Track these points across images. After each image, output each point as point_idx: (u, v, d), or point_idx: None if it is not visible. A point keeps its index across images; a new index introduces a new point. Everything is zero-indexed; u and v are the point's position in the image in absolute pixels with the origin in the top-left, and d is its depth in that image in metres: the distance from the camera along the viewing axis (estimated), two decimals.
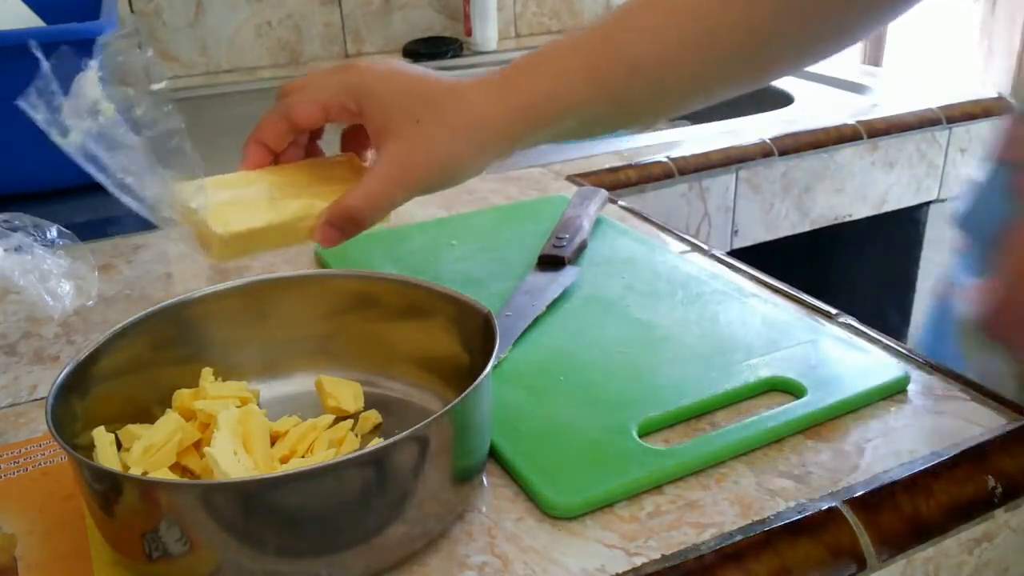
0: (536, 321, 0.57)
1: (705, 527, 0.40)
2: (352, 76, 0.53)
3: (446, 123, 0.51)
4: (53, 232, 0.60)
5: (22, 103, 0.47)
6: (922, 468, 0.43)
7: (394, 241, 0.70)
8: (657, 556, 0.39)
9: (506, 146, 0.52)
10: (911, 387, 0.50)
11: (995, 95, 1.12)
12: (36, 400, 0.53)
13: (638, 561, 0.39)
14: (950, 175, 1.11)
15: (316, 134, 0.56)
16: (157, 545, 0.36)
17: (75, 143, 0.48)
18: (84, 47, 0.82)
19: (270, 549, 0.36)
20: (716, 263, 0.66)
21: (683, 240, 0.71)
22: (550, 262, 0.64)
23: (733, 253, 0.86)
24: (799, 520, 0.40)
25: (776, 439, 0.46)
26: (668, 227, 0.74)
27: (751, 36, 0.51)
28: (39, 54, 0.46)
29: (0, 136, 0.82)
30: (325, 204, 0.51)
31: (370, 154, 0.57)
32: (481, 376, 0.39)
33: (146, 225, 0.82)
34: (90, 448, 0.40)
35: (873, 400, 0.48)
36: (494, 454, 0.45)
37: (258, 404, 0.47)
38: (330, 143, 0.57)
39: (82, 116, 0.48)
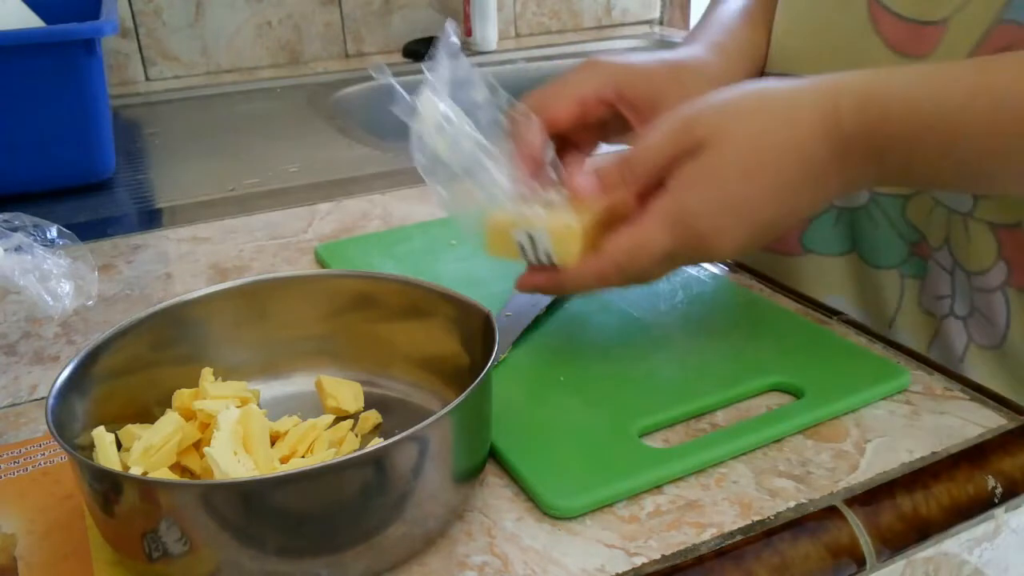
0: (536, 321, 0.57)
1: (705, 527, 0.40)
2: (602, 67, 0.55)
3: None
4: (53, 232, 0.60)
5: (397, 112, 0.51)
6: (922, 468, 0.43)
7: (394, 241, 0.70)
8: (657, 556, 0.39)
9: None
10: (911, 387, 0.50)
11: None
12: (36, 400, 0.53)
13: (638, 561, 0.39)
14: None
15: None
16: (157, 545, 0.36)
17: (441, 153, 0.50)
18: (84, 47, 0.82)
19: (270, 549, 0.36)
20: (716, 263, 0.66)
21: None
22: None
23: None
24: (799, 520, 0.40)
25: (776, 439, 0.46)
26: None
27: None
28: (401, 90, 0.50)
29: (0, 136, 0.82)
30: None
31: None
32: (481, 376, 0.39)
33: (146, 225, 0.82)
34: (90, 448, 0.40)
35: (873, 400, 0.48)
36: (494, 454, 0.45)
37: (258, 404, 0.47)
38: None
39: (439, 130, 0.51)
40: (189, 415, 0.43)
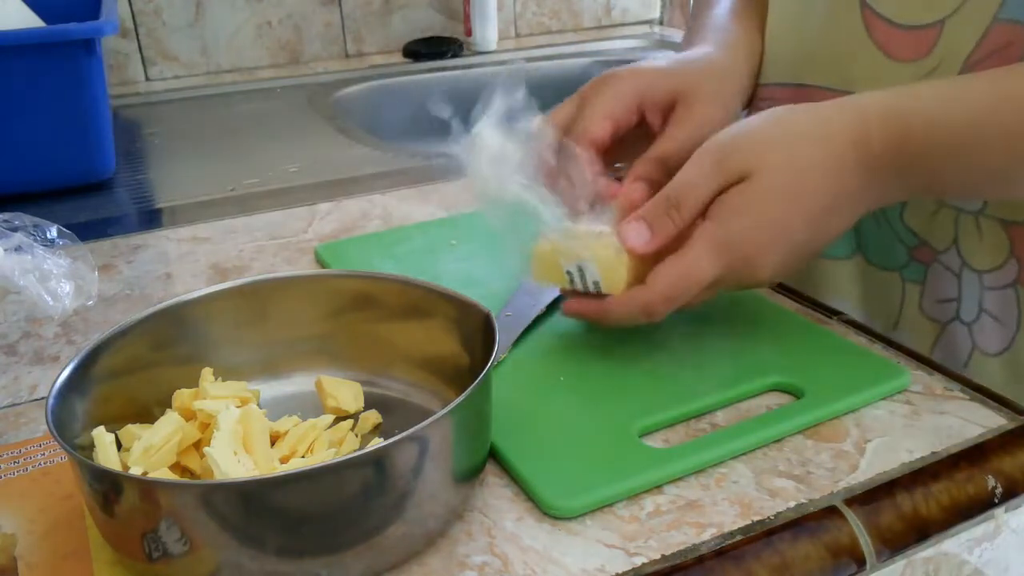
0: (536, 321, 0.57)
1: (705, 527, 0.40)
2: (619, 78, 0.56)
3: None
4: (53, 232, 0.60)
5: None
6: (922, 468, 0.43)
7: (394, 241, 0.70)
8: (657, 556, 0.39)
9: None
10: (911, 387, 0.50)
11: None
12: (36, 400, 0.53)
13: (638, 561, 0.39)
14: None
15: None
16: (157, 545, 0.36)
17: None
18: (84, 47, 0.82)
19: (270, 549, 0.36)
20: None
21: None
22: None
23: None
24: (799, 520, 0.40)
25: (776, 439, 0.46)
26: None
27: None
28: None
29: (0, 136, 0.82)
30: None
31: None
32: (481, 376, 0.39)
33: (146, 225, 0.82)
34: (90, 448, 0.40)
35: (873, 400, 0.48)
36: (494, 454, 0.45)
37: (258, 404, 0.47)
38: None
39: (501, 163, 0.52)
40: (189, 415, 0.43)
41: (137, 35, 1.29)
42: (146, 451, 0.40)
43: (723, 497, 0.42)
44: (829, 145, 0.49)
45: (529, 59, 1.40)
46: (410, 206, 0.80)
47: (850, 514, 0.41)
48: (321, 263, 0.68)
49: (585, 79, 0.60)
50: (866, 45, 0.59)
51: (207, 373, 0.46)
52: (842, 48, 0.60)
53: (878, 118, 0.49)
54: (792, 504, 0.41)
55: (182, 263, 0.71)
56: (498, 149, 0.52)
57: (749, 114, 0.69)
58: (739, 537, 0.40)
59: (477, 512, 0.42)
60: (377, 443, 0.39)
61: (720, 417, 0.48)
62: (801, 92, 0.63)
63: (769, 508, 0.41)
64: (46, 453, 0.47)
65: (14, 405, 0.52)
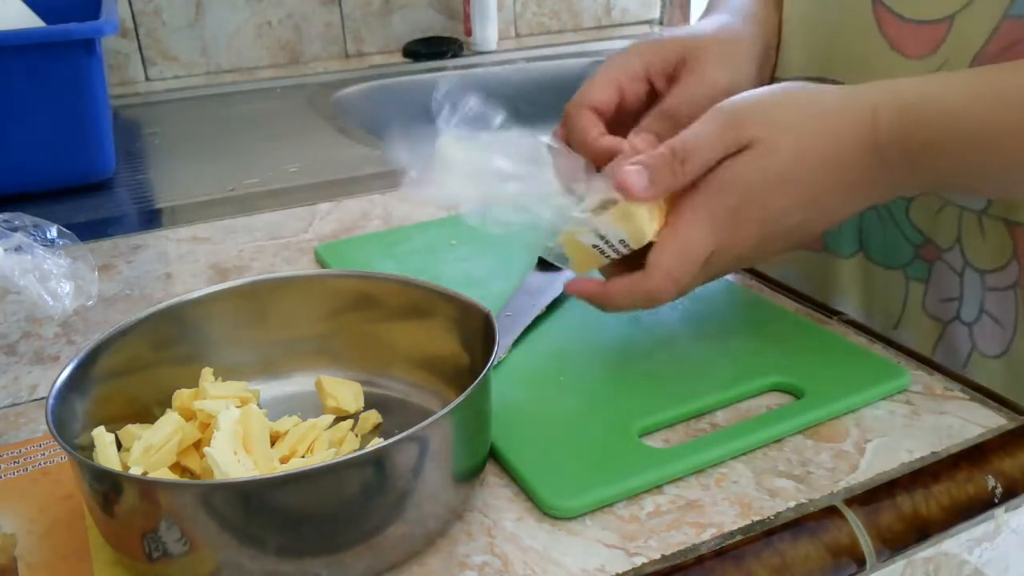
0: (536, 321, 0.57)
1: (705, 527, 0.40)
2: (631, 48, 0.56)
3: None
4: (53, 232, 0.60)
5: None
6: (922, 468, 0.43)
7: (394, 241, 0.70)
8: (657, 556, 0.39)
9: None
10: (911, 387, 0.50)
11: None
12: (36, 400, 0.53)
13: (638, 561, 0.39)
14: None
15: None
16: (157, 545, 0.36)
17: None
18: (84, 47, 0.82)
19: (270, 549, 0.36)
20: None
21: None
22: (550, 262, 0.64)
23: None
24: (799, 520, 0.40)
25: (776, 439, 0.46)
26: None
27: None
28: None
29: (0, 136, 0.82)
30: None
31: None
32: (481, 376, 0.39)
33: (146, 225, 0.82)
34: (90, 448, 0.40)
35: (873, 400, 0.48)
36: (494, 454, 0.45)
37: (258, 404, 0.47)
38: None
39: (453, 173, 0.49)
40: (189, 415, 0.43)
41: (137, 35, 1.29)
42: (146, 451, 0.40)
43: (723, 497, 0.42)
44: (839, 135, 0.48)
45: (529, 59, 1.40)
46: (410, 206, 0.80)
47: (850, 514, 0.41)
48: (321, 263, 0.68)
49: (585, 79, 0.60)
50: (876, 40, 0.58)
51: (207, 373, 0.46)
52: (854, 43, 0.60)
53: (889, 107, 0.48)
54: (792, 504, 0.41)
55: (182, 263, 0.71)
56: (470, 160, 0.50)
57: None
58: (739, 537, 0.40)
59: (477, 512, 0.42)
60: (377, 443, 0.39)
61: (720, 417, 0.48)
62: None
63: (769, 508, 0.41)
64: (46, 453, 0.47)
65: (14, 405, 0.52)
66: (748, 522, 0.40)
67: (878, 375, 0.50)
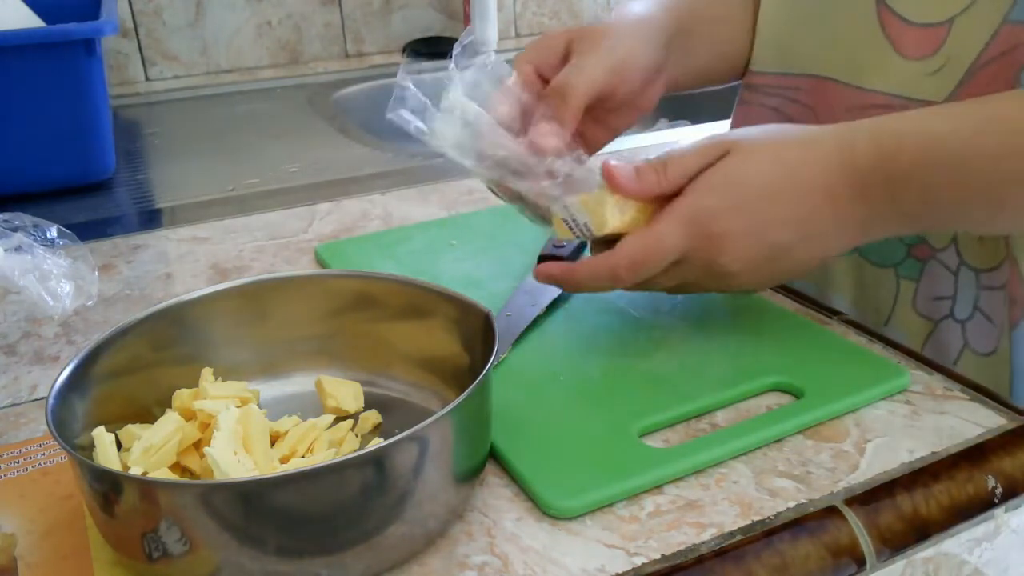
0: (536, 321, 0.57)
1: (705, 527, 0.40)
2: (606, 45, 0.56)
3: None
4: (53, 232, 0.60)
5: (392, 117, 0.53)
6: (922, 468, 0.43)
7: (394, 241, 0.70)
8: (657, 556, 0.39)
9: None
10: (911, 387, 0.50)
11: None
12: (36, 400, 0.53)
13: (638, 561, 0.39)
14: None
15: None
16: (157, 545, 0.36)
17: (447, 141, 0.52)
18: (84, 47, 0.82)
19: (270, 549, 0.36)
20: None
21: None
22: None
23: None
24: (799, 520, 0.40)
25: (776, 439, 0.46)
26: None
27: None
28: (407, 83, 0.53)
29: (0, 136, 0.82)
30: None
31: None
32: (481, 376, 0.39)
33: (146, 225, 0.82)
34: (90, 448, 0.40)
35: (873, 400, 0.48)
36: (494, 454, 0.45)
37: (258, 404, 0.47)
38: None
39: (453, 123, 0.52)
40: (189, 415, 0.43)
41: (137, 35, 1.29)
42: (146, 451, 0.40)
43: (723, 497, 0.42)
44: (817, 151, 0.49)
45: None
46: (410, 206, 0.80)
47: (850, 514, 0.41)
48: (321, 263, 0.68)
49: None
50: (879, 40, 0.59)
51: (207, 373, 0.46)
52: (857, 42, 0.60)
53: (868, 135, 0.49)
54: (792, 504, 0.41)
55: (182, 263, 0.71)
56: (469, 109, 0.52)
57: (739, 109, 0.69)
58: (739, 537, 0.40)
59: (477, 512, 0.42)
60: (377, 443, 0.39)
61: (720, 417, 0.48)
62: (819, 83, 0.63)
63: (769, 508, 0.41)
64: (46, 453, 0.47)
65: (14, 405, 0.52)
66: (748, 522, 0.40)
67: (878, 375, 0.50)
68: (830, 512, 0.41)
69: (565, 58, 0.57)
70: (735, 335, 0.54)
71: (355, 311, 0.50)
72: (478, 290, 0.61)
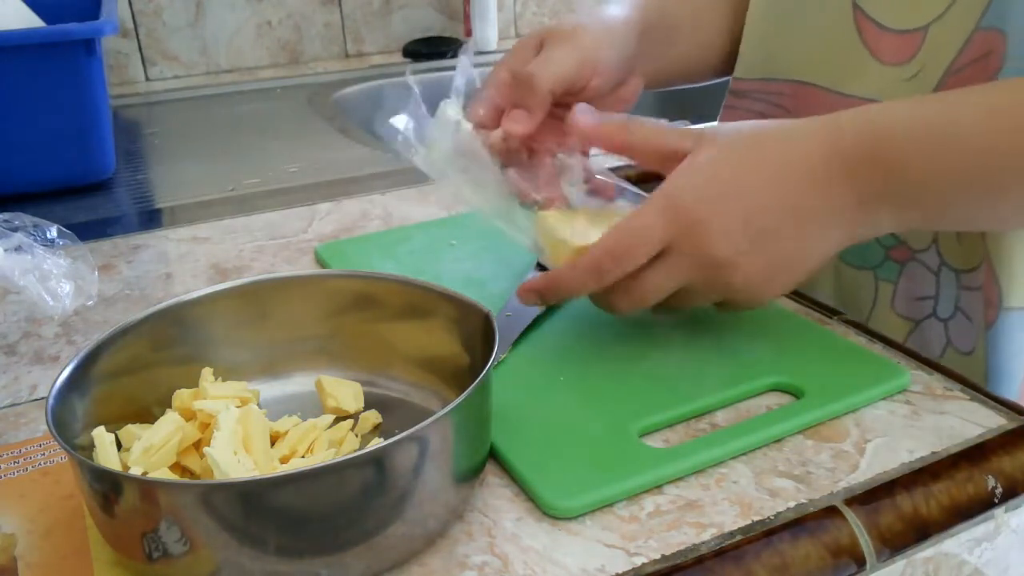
0: (536, 321, 0.57)
1: (705, 527, 0.40)
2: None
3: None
4: (53, 232, 0.60)
5: (392, 121, 0.55)
6: (922, 468, 0.43)
7: (394, 241, 0.70)
8: (657, 556, 0.39)
9: None
10: (911, 387, 0.50)
11: None
12: (36, 400, 0.53)
13: (638, 561, 0.39)
14: None
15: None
16: (157, 545, 0.36)
17: (438, 157, 0.54)
18: (84, 47, 0.82)
19: (270, 549, 0.36)
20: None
21: None
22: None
23: None
24: (799, 520, 0.40)
25: (776, 439, 0.46)
26: None
27: None
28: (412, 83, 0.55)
29: (0, 136, 0.82)
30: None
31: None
32: (481, 376, 0.39)
33: (146, 225, 0.82)
34: (90, 448, 0.40)
35: (873, 400, 0.48)
36: (494, 454, 0.45)
37: (258, 404, 0.47)
38: None
39: (445, 135, 0.54)
40: (189, 415, 0.43)
41: (137, 35, 1.29)
42: (146, 451, 0.40)
43: (723, 497, 0.42)
44: (797, 137, 0.48)
45: None
46: (410, 206, 0.80)
47: (850, 514, 0.41)
48: (321, 263, 0.68)
49: None
50: (856, 47, 0.59)
51: (207, 373, 0.46)
52: (836, 48, 0.61)
53: (851, 118, 0.48)
54: (792, 504, 0.41)
55: (182, 263, 0.71)
56: (459, 122, 0.54)
57: (724, 113, 0.70)
58: (739, 537, 0.40)
59: (477, 512, 0.42)
60: (377, 443, 0.39)
61: (720, 417, 0.48)
62: (800, 89, 0.64)
63: (769, 508, 0.41)
64: (46, 453, 0.47)
65: (14, 405, 0.52)
66: (748, 522, 0.40)
67: (878, 375, 0.50)
68: (830, 512, 0.41)
69: (536, 54, 0.58)
70: (735, 335, 0.54)
71: (355, 311, 0.50)
72: (478, 290, 0.61)
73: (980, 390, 0.49)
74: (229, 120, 1.14)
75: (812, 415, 0.47)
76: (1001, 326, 0.56)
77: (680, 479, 0.43)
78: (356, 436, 0.46)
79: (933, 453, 0.45)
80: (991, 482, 0.43)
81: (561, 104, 0.56)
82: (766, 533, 0.40)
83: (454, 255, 0.67)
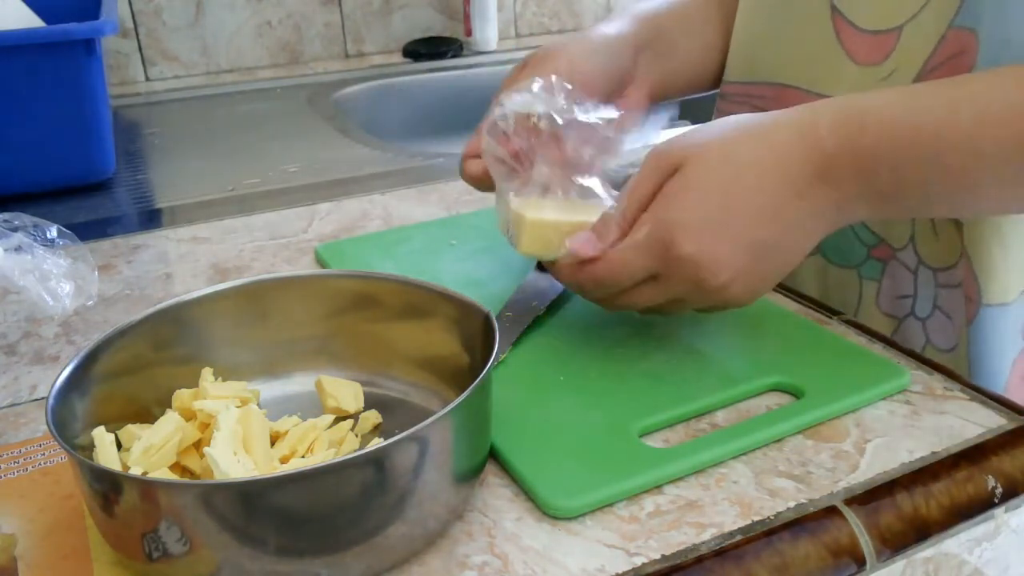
0: (536, 321, 0.57)
1: (705, 527, 0.40)
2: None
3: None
4: (53, 232, 0.60)
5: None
6: (922, 468, 0.43)
7: (394, 241, 0.70)
8: (657, 556, 0.39)
9: None
10: (911, 387, 0.50)
11: None
12: (36, 400, 0.53)
13: (638, 561, 0.39)
14: None
15: None
16: (157, 545, 0.36)
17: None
18: (84, 47, 0.82)
19: (270, 549, 0.36)
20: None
21: None
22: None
23: None
24: (799, 520, 0.40)
25: (776, 439, 0.46)
26: None
27: None
28: None
29: (0, 136, 0.82)
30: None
31: None
32: (481, 376, 0.39)
33: (146, 225, 0.83)
34: (90, 448, 0.40)
35: (873, 400, 0.48)
36: (494, 454, 0.45)
37: (258, 404, 0.47)
38: None
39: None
40: (189, 415, 0.43)
41: (137, 35, 1.29)
42: (146, 451, 0.40)
43: (723, 497, 0.42)
44: (772, 140, 0.48)
45: None
46: (410, 206, 0.80)
47: (850, 514, 0.41)
48: (321, 263, 0.68)
49: None
50: (834, 49, 0.60)
51: (207, 373, 0.46)
52: (814, 50, 0.62)
53: (831, 115, 0.48)
54: (792, 504, 0.41)
55: (182, 263, 0.71)
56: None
57: (716, 116, 0.71)
58: (739, 537, 0.40)
59: (477, 512, 0.42)
60: (377, 443, 0.39)
61: (720, 417, 0.48)
62: (781, 91, 0.64)
63: (769, 508, 0.41)
64: (46, 453, 0.47)
65: (14, 405, 0.52)
66: (748, 522, 0.40)
67: (878, 375, 0.50)
68: (830, 512, 0.41)
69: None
70: (735, 335, 0.54)
71: (355, 311, 0.50)
72: (478, 290, 0.61)
73: (980, 390, 0.49)
74: (229, 120, 1.14)
75: (812, 415, 0.47)
76: (980, 323, 0.56)
77: (680, 479, 0.43)
78: (356, 436, 0.46)
79: (933, 453, 0.45)
80: (991, 482, 0.43)
81: None
82: (766, 533, 0.40)
83: (454, 255, 0.67)
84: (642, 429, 0.46)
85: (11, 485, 0.45)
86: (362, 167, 0.92)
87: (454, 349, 0.47)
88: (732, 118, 0.50)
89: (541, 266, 0.64)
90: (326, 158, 0.96)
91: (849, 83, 0.59)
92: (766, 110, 0.66)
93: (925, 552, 0.42)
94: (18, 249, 0.57)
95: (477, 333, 0.45)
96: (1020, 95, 0.46)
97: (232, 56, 1.34)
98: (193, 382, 0.46)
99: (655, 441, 0.46)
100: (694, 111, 0.59)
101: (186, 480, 0.41)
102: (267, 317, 0.50)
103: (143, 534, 0.36)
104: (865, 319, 0.63)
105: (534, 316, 0.57)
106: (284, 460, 0.42)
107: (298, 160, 0.95)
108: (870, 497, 0.42)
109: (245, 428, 0.41)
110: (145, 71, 1.31)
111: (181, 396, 0.45)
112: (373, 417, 0.48)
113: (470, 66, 1.37)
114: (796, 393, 0.49)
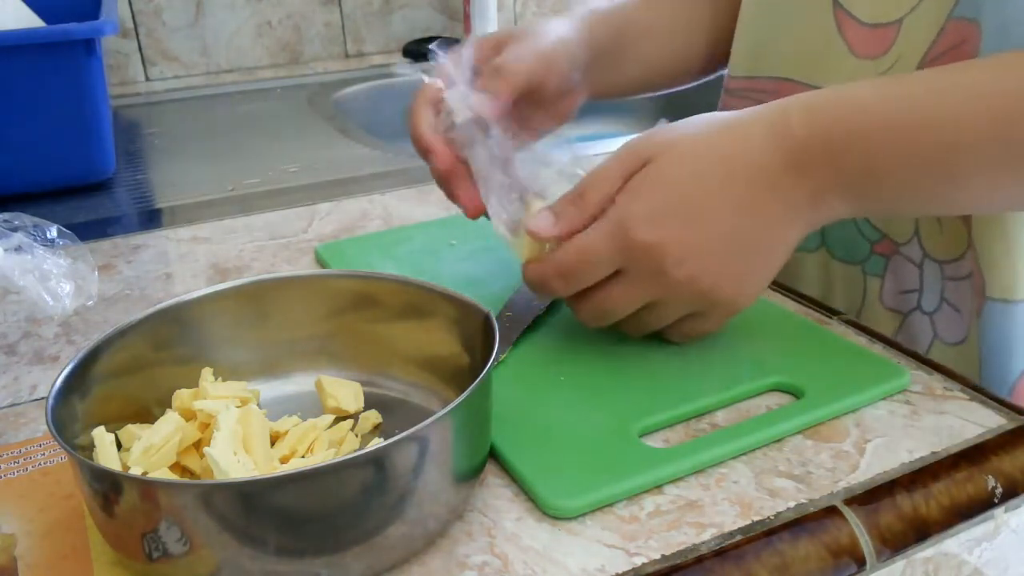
0: (536, 321, 0.57)
1: (705, 527, 0.40)
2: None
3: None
4: (53, 232, 0.60)
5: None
6: (922, 468, 0.43)
7: (394, 241, 0.70)
8: (657, 556, 0.39)
9: None
10: (911, 387, 0.50)
11: None
12: (36, 400, 0.53)
13: (638, 561, 0.39)
14: None
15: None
16: (157, 545, 0.36)
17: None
18: (84, 47, 0.82)
19: (270, 549, 0.36)
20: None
21: None
22: None
23: None
24: (799, 520, 0.40)
25: (776, 439, 0.46)
26: None
27: None
28: None
29: (0, 136, 0.82)
30: None
31: None
32: (481, 376, 0.39)
33: (146, 225, 0.82)
34: (90, 448, 0.40)
35: (873, 400, 0.48)
36: (494, 454, 0.45)
37: (258, 404, 0.47)
38: None
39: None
40: (189, 415, 0.43)
41: (137, 35, 1.29)
42: (146, 451, 0.40)
43: (723, 497, 0.42)
44: (742, 132, 0.48)
45: None
46: (410, 206, 0.80)
47: (850, 514, 0.41)
48: (321, 263, 0.68)
49: None
50: (836, 42, 0.60)
51: (207, 373, 0.46)
52: (817, 44, 0.62)
53: (802, 106, 0.47)
54: (792, 504, 0.41)
55: (182, 263, 0.71)
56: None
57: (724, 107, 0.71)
58: (739, 537, 0.40)
59: (477, 512, 0.42)
60: (377, 443, 0.39)
61: (720, 417, 0.48)
62: (783, 85, 0.65)
63: (769, 508, 0.41)
64: (46, 453, 0.47)
65: (14, 405, 0.52)
66: (748, 522, 0.40)
67: (878, 375, 0.50)
68: (830, 512, 0.41)
69: (497, 54, 0.60)
70: (735, 335, 0.54)
71: (355, 311, 0.50)
72: (478, 290, 0.61)
73: (980, 390, 0.49)
74: (229, 120, 1.14)
75: (812, 415, 0.47)
76: (987, 315, 0.56)
77: (680, 479, 0.43)
78: (356, 436, 0.46)
79: (933, 453, 0.45)
80: (991, 482, 0.43)
81: (517, 101, 0.58)
82: (766, 533, 0.40)
83: (454, 255, 0.67)
84: (642, 429, 0.46)
85: (11, 485, 0.45)
86: (362, 167, 0.93)
87: (454, 349, 0.47)
88: (705, 115, 0.50)
89: None
90: (326, 158, 0.96)
91: (850, 76, 0.59)
92: None
93: (925, 552, 0.42)
94: (18, 249, 0.57)
95: (477, 333, 0.45)
96: (1007, 80, 0.45)
97: (232, 56, 1.34)
98: (193, 382, 0.46)
99: (655, 441, 0.46)
100: (697, 110, 0.59)
101: (186, 480, 0.41)
102: (267, 317, 0.50)
103: (143, 534, 0.36)
104: (870, 315, 0.63)
105: (534, 316, 0.57)
106: (284, 460, 0.42)
107: (298, 160, 0.95)
108: (870, 497, 0.42)
109: (245, 428, 0.41)
110: (145, 71, 1.31)
111: (181, 396, 0.45)
112: (373, 417, 0.48)
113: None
114: (796, 393, 0.49)
